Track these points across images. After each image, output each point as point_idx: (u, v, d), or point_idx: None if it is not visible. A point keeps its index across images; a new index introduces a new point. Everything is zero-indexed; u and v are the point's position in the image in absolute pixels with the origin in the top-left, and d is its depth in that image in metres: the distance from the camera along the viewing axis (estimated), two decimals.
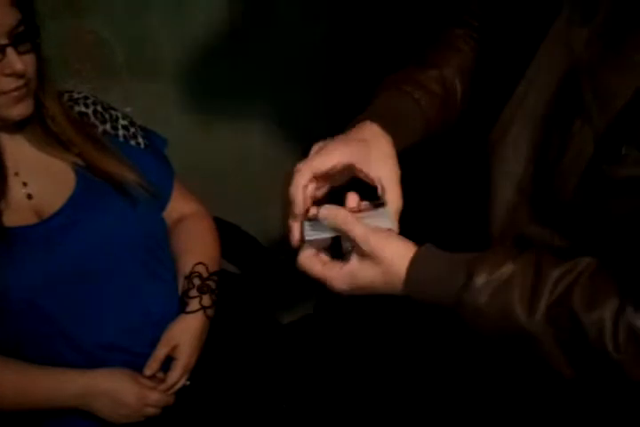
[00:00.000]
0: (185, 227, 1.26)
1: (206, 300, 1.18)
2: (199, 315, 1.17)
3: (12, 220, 1.05)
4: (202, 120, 1.82)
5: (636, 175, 0.65)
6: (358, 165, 0.80)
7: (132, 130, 1.22)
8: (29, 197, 1.08)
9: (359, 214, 0.80)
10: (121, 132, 1.20)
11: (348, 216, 0.77)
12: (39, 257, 1.05)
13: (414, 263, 0.75)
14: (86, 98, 1.19)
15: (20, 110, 1.02)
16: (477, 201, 0.84)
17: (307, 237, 0.79)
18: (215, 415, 1.16)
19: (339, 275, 0.78)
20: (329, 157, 0.80)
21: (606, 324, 0.64)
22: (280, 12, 1.83)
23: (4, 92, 0.98)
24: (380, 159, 0.82)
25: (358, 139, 0.82)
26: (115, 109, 1.22)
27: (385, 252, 0.75)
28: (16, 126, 1.08)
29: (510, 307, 0.68)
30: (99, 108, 1.19)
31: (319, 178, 0.81)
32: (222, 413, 1.16)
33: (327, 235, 0.79)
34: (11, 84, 0.98)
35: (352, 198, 0.83)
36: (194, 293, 1.18)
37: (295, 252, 0.82)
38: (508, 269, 0.70)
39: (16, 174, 1.08)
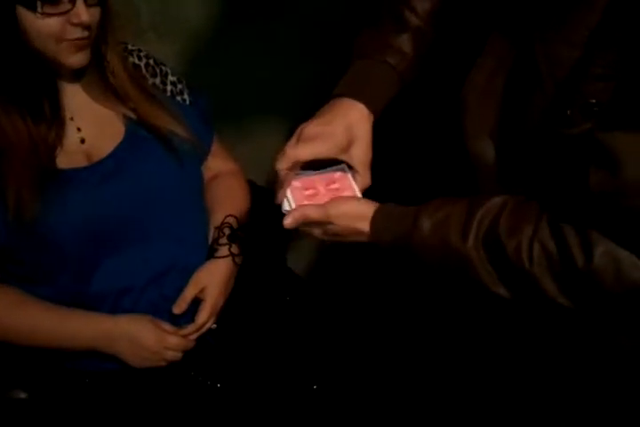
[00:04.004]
0: (220, 183, 1.31)
1: (235, 248, 1.22)
2: (228, 260, 1.21)
3: (64, 162, 1.09)
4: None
5: (581, 132, 0.76)
6: (338, 155, 0.94)
7: (180, 86, 1.26)
8: (82, 141, 1.12)
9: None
10: (169, 87, 1.24)
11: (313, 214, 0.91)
12: (85, 198, 1.09)
13: (376, 215, 0.90)
14: (140, 51, 1.23)
15: (77, 59, 1.06)
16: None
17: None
18: (238, 363, 1.18)
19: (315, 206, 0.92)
20: (312, 149, 0.92)
21: (523, 246, 0.78)
22: None
23: (67, 40, 1.03)
24: (358, 146, 0.95)
25: (344, 125, 0.94)
26: (164, 65, 1.26)
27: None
28: (74, 75, 1.12)
29: (447, 237, 0.83)
30: (151, 61, 1.23)
31: None
32: (245, 360, 1.19)
33: None
34: (75, 33, 1.03)
35: None
36: (223, 240, 1.22)
37: None
38: (445, 210, 0.85)
39: (71, 119, 1.12)
